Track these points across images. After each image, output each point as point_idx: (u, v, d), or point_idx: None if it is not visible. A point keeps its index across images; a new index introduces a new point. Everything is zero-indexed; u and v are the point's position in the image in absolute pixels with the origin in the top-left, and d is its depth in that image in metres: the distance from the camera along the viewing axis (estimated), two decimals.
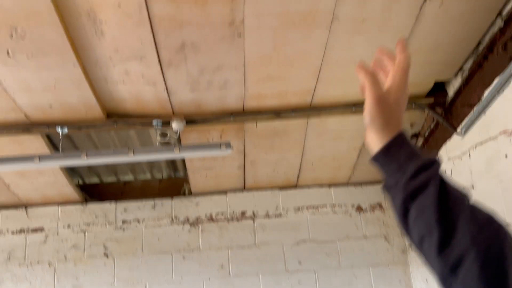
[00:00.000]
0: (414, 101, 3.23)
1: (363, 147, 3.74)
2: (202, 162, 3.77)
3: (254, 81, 3.00)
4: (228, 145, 3.14)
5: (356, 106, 3.22)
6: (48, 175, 3.66)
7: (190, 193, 4.14)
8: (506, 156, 2.51)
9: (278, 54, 2.77)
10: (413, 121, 3.58)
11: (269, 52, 2.75)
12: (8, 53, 2.47)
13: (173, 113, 3.21)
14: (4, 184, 3.75)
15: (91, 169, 4.10)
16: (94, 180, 4.29)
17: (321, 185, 4.20)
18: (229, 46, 2.68)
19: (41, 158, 2.92)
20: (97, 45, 2.57)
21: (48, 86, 2.76)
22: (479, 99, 2.72)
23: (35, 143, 3.28)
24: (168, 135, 3.33)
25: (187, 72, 2.84)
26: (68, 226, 3.99)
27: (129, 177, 4.33)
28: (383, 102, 0.84)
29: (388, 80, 0.89)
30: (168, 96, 3.02)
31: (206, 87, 3.01)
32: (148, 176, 4.35)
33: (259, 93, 3.12)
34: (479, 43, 2.76)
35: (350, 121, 3.43)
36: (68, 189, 3.89)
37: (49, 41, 2.44)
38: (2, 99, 2.81)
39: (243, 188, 4.20)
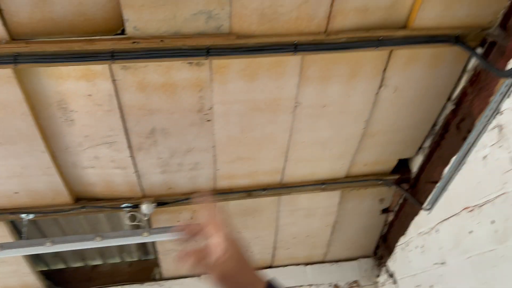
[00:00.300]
0: (380, 178, 3.34)
1: (336, 224, 3.75)
2: (173, 244, 3.67)
3: (224, 162, 3.05)
4: None
5: (325, 184, 3.29)
6: (9, 264, 3.47)
7: (161, 277, 3.97)
8: (470, 232, 2.56)
9: (246, 137, 2.86)
10: (383, 197, 3.65)
11: (238, 135, 2.84)
12: None
13: (143, 195, 3.19)
14: None
15: (57, 254, 3.92)
16: (60, 265, 4.09)
17: (297, 264, 4.12)
18: (198, 130, 2.76)
19: (2, 247, 2.80)
20: (67, 132, 2.61)
21: (15, 173, 2.74)
22: (440, 176, 2.83)
23: None
24: (138, 217, 3.28)
25: (158, 155, 2.88)
26: None
27: (97, 261, 4.15)
28: (226, 278, 0.75)
29: (214, 253, 0.78)
30: (138, 179, 3.02)
31: (176, 169, 3.04)
32: (117, 259, 4.18)
33: (230, 173, 3.16)
34: (435, 124, 2.94)
35: (320, 198, 3.48)
36: (30, 278, 3.68)
37: (18, 130, 2.46)
38: None
39: None
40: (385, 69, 2.54)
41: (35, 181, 2.83)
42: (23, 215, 2.95)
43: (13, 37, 2.06)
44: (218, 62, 2.37)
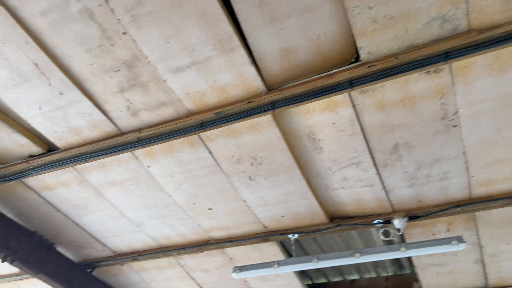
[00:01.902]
0: None
1: None
2: (431, 258, 3.51)
3: (479, 168, 2.77)
4: (460, 240, 2.88)
5: None
6: (284, 278, 4.01)
7: None
8: None
9: (504, 137, 2.53)
10: None
11: (492, 136, 2.55)
12: (250, 178, 3.03)
13: (393, 210, 3.19)
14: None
15: (318, 269, 4.31)
16: (322, 280, 4.46)
17: None
18: (444, 138, 2.62)
19: (279, 264, 3.27)
20: (317, 159, 2.89)
21: (280, 199, 3.20)
22: None
23: (272, 250, 3.72)
24: (391, 233, 3.29)
25: (403, 169, 2.86)
26: None
27: (354, 276, 4.34)
28: None
29: None
30: (386, 194, 3.06)
31: (424, 181, 2.93)
32: (373, 274, 4.27)
33: (487, 179, 2.84)
34: None
35: None
36: None
37: (279, 163, 2.89)
38: (247, 214, 3.38)
39: (486, 286, 3.65)
40: None
41: (296, 205, 3.23)
42: (290, 235, 3.39)
43: (269, 88, 2.47)
44: (458, 64, 2.22)
